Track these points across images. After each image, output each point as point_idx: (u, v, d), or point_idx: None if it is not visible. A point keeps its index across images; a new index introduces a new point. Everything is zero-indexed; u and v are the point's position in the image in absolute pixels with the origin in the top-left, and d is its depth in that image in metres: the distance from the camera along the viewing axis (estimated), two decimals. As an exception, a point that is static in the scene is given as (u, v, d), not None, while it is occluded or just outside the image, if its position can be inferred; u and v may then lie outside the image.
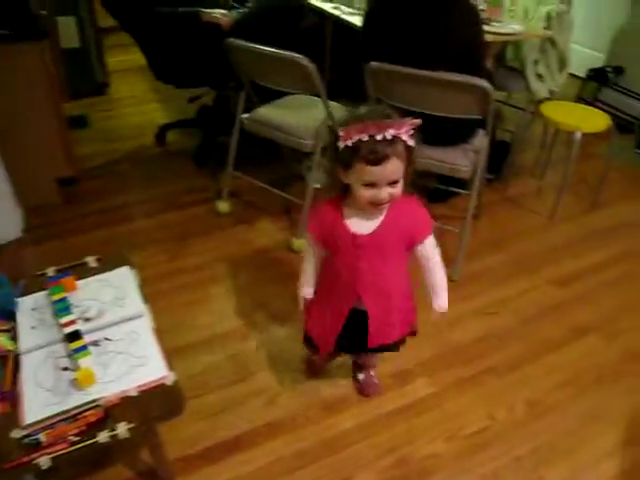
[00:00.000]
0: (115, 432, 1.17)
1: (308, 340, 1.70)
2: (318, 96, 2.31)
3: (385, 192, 1.26)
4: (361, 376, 1.85)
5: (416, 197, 1.39)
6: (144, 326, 1.41)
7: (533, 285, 2.39)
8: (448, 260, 2.25)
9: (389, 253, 1.41)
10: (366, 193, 1.27)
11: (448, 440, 1.72)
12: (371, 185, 1.25)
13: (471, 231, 2.38)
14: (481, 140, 2.28)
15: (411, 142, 1.23)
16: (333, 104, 2.38)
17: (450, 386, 1.89)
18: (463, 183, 2.52)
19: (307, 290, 1.57)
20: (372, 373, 1.85)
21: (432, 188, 2.79)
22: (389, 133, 1.17)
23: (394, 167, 1.22)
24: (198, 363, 1.92)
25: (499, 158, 2.95)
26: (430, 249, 1.44)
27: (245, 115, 2.59)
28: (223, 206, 2.72)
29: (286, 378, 1.88)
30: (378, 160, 1.20)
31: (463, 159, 2.29)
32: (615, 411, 1.86)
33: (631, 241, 2.73)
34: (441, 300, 1.51)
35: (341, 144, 1.22)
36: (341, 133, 1.21)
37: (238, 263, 2.41)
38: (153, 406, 1.25)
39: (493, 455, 1.69)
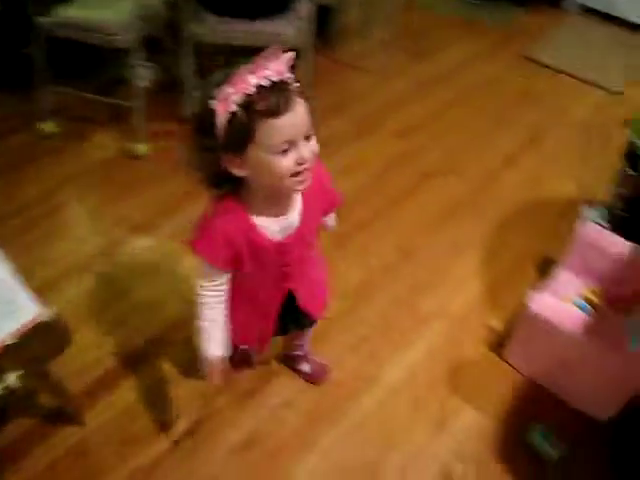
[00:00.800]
0: (5, 384, 1.10)
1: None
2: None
3: (306, 149, 0.96)
4: (306, 366, 1.65)
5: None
6: (1, 270, 1.30)
7: (379, 141, 2.51)
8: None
9: (312, 237, 1.21)
10: (286, 161, 0.94)
11: (335, 299, 1.83)
12: (287, 148, 0.94)
13: (312, 100, 2.38)
14: (305, 6, 2.23)
15: (296, 82, 0.95)
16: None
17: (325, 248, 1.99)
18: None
19: (217, 352, 1.21)
20: (314, 358, 1.66)
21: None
22: (274, 75, 0.89)
23: (303, 110, 0.94)
24: (71, 293, 1.83)
25: (323, 21, 2.92)
26: (333, 215, 1.32)
27: (43, 19, 2.28)
28: (48, 127, 2.46)
29: (165, 285, 1.86)
30: (285, 104, 0.90)
31: (290, 28, 2.24)
32: (471, 237, 2.09)
33: (460, 85, 2.92)
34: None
35: (222, 118, 0.90)
36: (216, 103, 0.89)
37: (83, 182, 2.24)
38: (38, 346, 1.19)
39: (376, 301, 1.84)
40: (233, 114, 0.89)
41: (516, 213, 2.21)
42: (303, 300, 1.28)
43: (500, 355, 1.72)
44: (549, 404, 1.63)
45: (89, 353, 1.65)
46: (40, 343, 1.19)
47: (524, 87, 2.94)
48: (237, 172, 0.98)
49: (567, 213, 2.21)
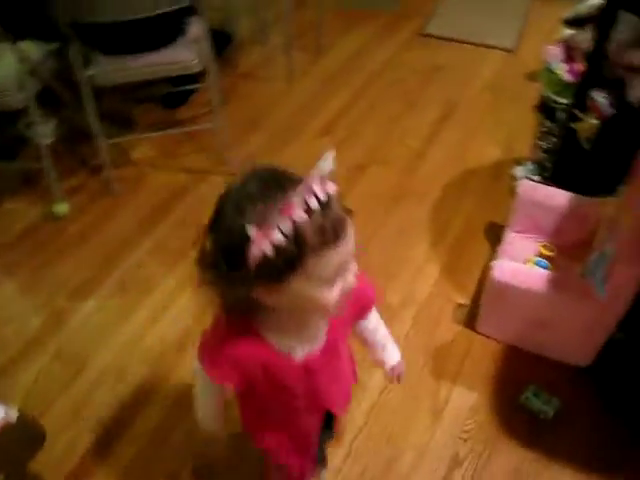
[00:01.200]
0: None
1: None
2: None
3: (351, 273, 0.82)
4: None
5: None
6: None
7: (303, 145, 2.48)
8: (219, 158, 2.24)
9: (342, 347, 1.06)
10: (334, 291, 0.80)
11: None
12: (335, 274, 0.79)
13: (225, 120, 2.33)
14: (197, 27, 2.16)
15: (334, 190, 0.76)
16: (23, 45, 2.04)
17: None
18: (194, 77, 2.41)
19: (218, 428, 1.13)
20: None
21: (165, 94, 2.66)
22: (321, 195, 0.72)
23: (352, 231, 0.80)
24: (27, 376, 1.70)
25: (218, 38, 2.87)
26: (375, 318, 1.11)
27: None
28: (-49, 208, 2.28)
29: (121, 347, 1.76)
30: (341, 231, 0.76)
31: (188, 53, 2.17)
32: (416, 220, 2.10)
33: (365, 73, 2.94)
34: (395, 352, 1.19)
35: (262, 248, 0.71)
36: (253, 234, 0.71)
37: (8, 257, 2.08)
38: (10, 450, 1.09)
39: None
40: (278, 248, 0.71)
41: (450, 187, 2.25)
42: (339, 410, 1.17)
43: (474, 329, 1.74)
44: (532, 364, 1.65)
45: (62, 437, 1.54)
46: (13, 445, 1.09)
47: (426, 64, 2.99)
48: (269, 301, 0.82)
49: (499, 176, 2.27)
